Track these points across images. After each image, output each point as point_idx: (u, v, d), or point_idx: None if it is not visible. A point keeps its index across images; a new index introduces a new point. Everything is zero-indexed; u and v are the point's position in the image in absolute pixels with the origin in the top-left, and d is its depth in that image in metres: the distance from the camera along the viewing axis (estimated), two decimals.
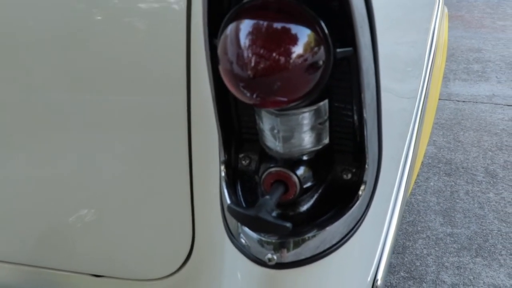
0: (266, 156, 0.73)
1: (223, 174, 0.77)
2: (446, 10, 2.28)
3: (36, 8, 0.79)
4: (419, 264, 1.94)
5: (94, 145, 0.86)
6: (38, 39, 0.81)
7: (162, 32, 0.76)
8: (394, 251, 1.98)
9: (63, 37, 0.79)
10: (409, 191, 1.32)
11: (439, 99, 3.21)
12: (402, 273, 1.89)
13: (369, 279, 0.86)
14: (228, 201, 0.75)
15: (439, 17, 1.82)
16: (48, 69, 0.82)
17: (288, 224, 0.64)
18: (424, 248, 2.02)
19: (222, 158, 0.76)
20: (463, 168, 2.53)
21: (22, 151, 0.90)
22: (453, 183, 2.41)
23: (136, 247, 0.93)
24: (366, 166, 0.72)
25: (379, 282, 0.87)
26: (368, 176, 0.73)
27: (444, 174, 2.48)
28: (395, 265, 1.93)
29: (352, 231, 0.75)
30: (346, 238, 0.74)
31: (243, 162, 0.77)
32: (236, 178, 0.77)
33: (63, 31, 0.79)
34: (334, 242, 0.73)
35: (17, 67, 0.84)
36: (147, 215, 0.90)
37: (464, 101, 3.26)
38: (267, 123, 0.68)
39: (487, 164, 2.56)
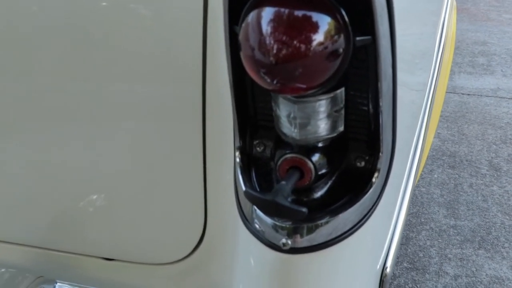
0: (281, 142, 0.74)
1: (238, 160, 0.78)
2: (455, 2, 2.28)
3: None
4: (422, 255, 1.95)
5: (108, 132, 0.87)
6: (50, 29, 0.81)
7: (179, 19, 0.76)
8: None
9: (77, 27, 0.80)
10: (416, 183, 1.33)
11: None
12: (405, 264, 1.91)
13: (378, 266, 0.87)
14: (243, 187, 0.76)
15: (448, 9, 1.82)
16: (61, 59, 0.83)
17: (304, 209, 0.65)
18: (428, 239, 2.03)
19: (237, 144, 0.77)
20: (467, 161, 2.54)
21: (37, 137, 0.91)
22: (457, 175, 2.42)
23: (147, 231, 0.94)
24: (380, 154, 0.73)
25: (388, 270, 0.88)
26: (382, 164, 0.74)
27: (448, 167, 2.49)
28: (398, 256, 1.94)
29: (364, 219, 0.76)
30: (358, 225, 0.75)
31: (258, 148, 0.78)
32: (251, 164, 0.78)
33: (76, 21, 0.79)
34: (346, 229, 0.74)
35: (26, 58, 0.84)
36: (159, 199, 0.91)
37: (469, 94, 3.27)
38: (284, 109, 0.69)
39: (491, 157, 2.57)
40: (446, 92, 3.24)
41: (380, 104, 0.69)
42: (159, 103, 0.82)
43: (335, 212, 0.72)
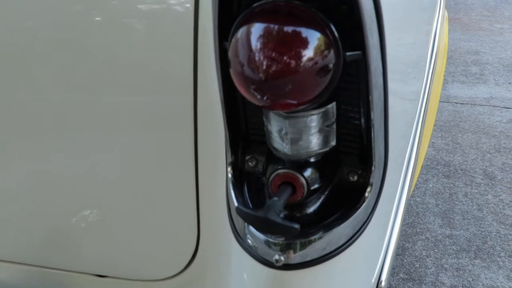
0: (273, 157, 0.74)
1: (229, 175, 0.77)
2: (446, 13, 2.29)
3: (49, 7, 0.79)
4: (418, 265, 1.95)
5: (99, 146, 0.87)
6: (46, 44, 0.81)
7: (170, 33, 0.76)
8: None
9: (68, 39, 0.80)
10: (410, 193, 1.33)
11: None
12: (401, 275, 1.90)
13: (373, 280, 0.86)
14: (235, 202, 0.75)
15: (440, 19, 1.83)
16: (54, 71, 0.82)
17: (297, 226, 0.64)
18: (424, 249, 2.03)
19: (229, 160, 0.77)
20: (461, 170, 2.54)
21: (27, 152, 0.90)
22: (451, 185, 2.42)
23: (140, 247, 0.94)
24: (373, 168, 0.72)
25: (383, 284, 0.87)
26: (375, 178, 0.74)
27: (443, 176, 2.49)
28: (394, 266, 1.93)
29: (358, 233, 0.75)
30: (352, 240, 0.75)
31: (250, 163, 0.78)
32: (243, 179, 0.78)
33: (68, 33, 0.80)
34: (340, 243, 0.74)
35: (20, 69, 0.84)
36: (152, 215, 0.90)
37: (462, 103, 3.28)
38: (275, 125, 0.69)
39: (486, 166, 2.57)
40: (440, 101, 3.25)
41: (372, 117, 0.69)
42: (151, 119, 0.82)
43: (328, 228, 0.72)
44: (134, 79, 0.80)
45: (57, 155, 0.89)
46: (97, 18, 0.78)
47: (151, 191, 0.88)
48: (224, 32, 0.66)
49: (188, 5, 0.73)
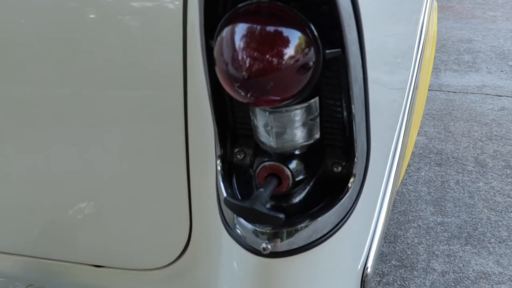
0: (260, 150, 0.76)
1: (219, 168, 0.80)
2: (435, 3, 2.30)
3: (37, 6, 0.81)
4: (410, 252, 1.98)
5: (93, 140, 0.89)
6: (35, 38, 0.83)
7: (160, 30, 0.78)
8: (386, 240, 2.03)
9: (61, 35, 0.82)
10: (399, 181, 1.35)
11: (431, 90, 3.25)
12: (393, 262, 1.94)
13: (359, 267, 0.89)
14: (224, 194, 0.78)
15: (428, 9, 1.85)
16: (45, 67, 0.84)
17: (281, 215, 0.67)
18: (415, 237, 2.06)
19: (218, 153, 0.80)
20: (453, 158, 2.57)
21: (24, 146, 0.93)
22: (443, 173, 2.45)
23: (135, 238, 0.96)
24: (355, 159, 0.75)
25: (369, 270, 0.90)
26: (357, 168, 0.76)
27: (435, 164, 2.52)
28: (386, 254, 1.97)
29: (343, 221, 0.78)
30: (337, 228, 0.78)
31: (238, 156, 0.80)
32: (232, 171, 0.80)
33: (61, 30, 0.81)
34: (325, 231, 0.77)
35: (14, 66, 0.86)
36: (145, 207, 0.92)
37: (455, 92, 3.30)
38: (260, 120, 0.71)
39: (477, 154, 2.60)
40: (433, 90, 3.28)
41: (353, 109, 0.71)
42: (144, 114, 0.84)
43: (313, 217, 0.75)
44: (125, 75, 0.82)
45: (52, 149, 0.91)
46: (89, 15, 0.80)
47: (144, 184, 0.91)
48: (210, 30, 0.69)
49: (177, 2, 0.76)
